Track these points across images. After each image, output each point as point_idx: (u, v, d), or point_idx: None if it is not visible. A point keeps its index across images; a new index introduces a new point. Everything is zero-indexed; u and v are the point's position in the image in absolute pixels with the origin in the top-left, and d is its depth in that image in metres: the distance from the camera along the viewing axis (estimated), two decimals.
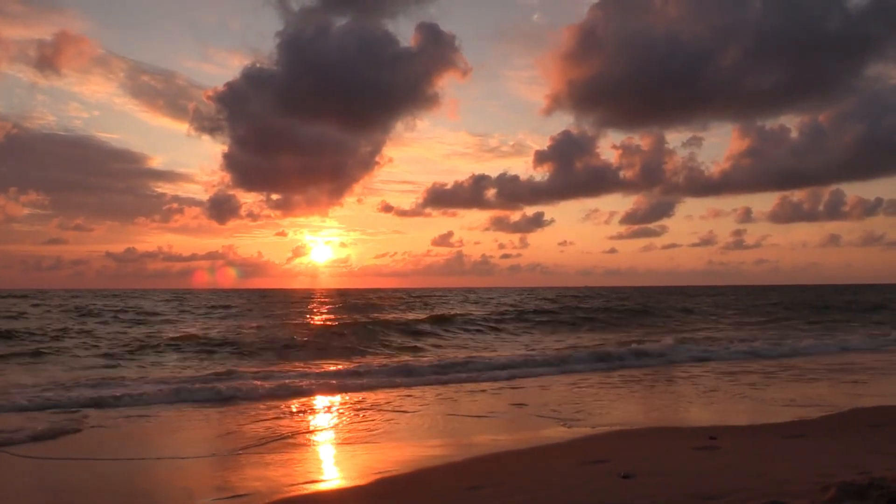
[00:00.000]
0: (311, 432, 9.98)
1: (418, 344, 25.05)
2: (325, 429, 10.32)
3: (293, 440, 9.33)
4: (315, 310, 50.57)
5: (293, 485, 6.98)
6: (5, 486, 7.28)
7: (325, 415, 11.58)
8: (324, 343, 23.65)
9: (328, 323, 32.88)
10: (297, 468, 7.75)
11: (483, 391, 14.08)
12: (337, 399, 13.14)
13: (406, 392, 14.00)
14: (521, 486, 6.35)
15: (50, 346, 21.68)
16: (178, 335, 24.59)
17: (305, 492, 6.77)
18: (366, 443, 9.14)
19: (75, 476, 7.57)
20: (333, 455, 8.66)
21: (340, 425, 10.51)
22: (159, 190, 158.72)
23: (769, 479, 5.93)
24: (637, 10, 71.64)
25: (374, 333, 26.97)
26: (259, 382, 14.46)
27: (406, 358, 20.43)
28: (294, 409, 11.92)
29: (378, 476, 7.27)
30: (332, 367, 17.77)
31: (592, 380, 15.70)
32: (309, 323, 34.15)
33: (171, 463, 8.01)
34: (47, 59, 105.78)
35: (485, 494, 6.13)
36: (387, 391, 14.14)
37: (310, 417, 11.28)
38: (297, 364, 18.44)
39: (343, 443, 9.27)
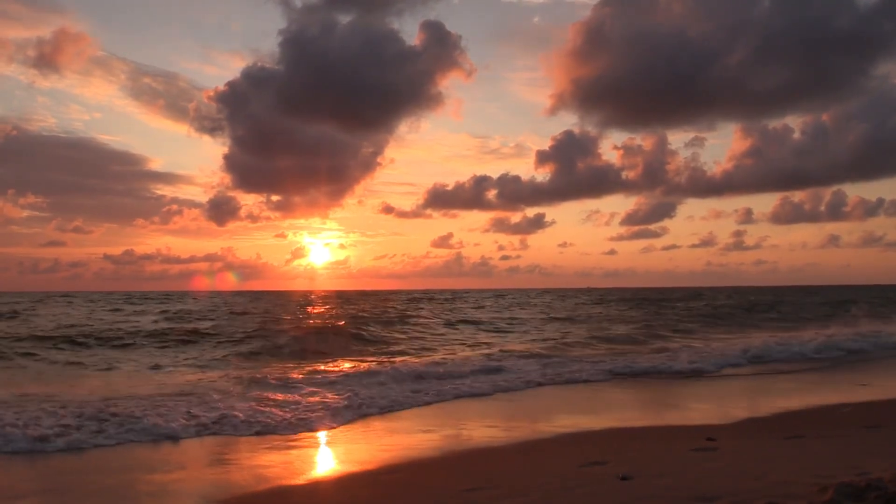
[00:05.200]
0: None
1: None
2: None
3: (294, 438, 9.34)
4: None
5: (286, 483, 6.97)
6: None
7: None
8: None
9: None
10: (294, 466, 7.74)
11: None
12: None
13: None
14: (518, 488, 6.33)
15: None
16: None
17: (300, 490, 6.75)
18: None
19: None
20: (331, 453, 8.65)
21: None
22: (159, 192, 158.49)
23: (767, 480, 5.92)
24: (642, 9, 71.24)
25: None
26: None
27: None
28: None
29: (372, 477, 7.26)
30: None
31: None
32: None
33: None
34: (46, 58, 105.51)
35: (481, 497, 6.12)
36: None
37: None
38: None
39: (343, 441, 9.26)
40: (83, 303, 59.42)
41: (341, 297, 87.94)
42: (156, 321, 33.27)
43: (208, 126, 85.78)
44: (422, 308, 51.07)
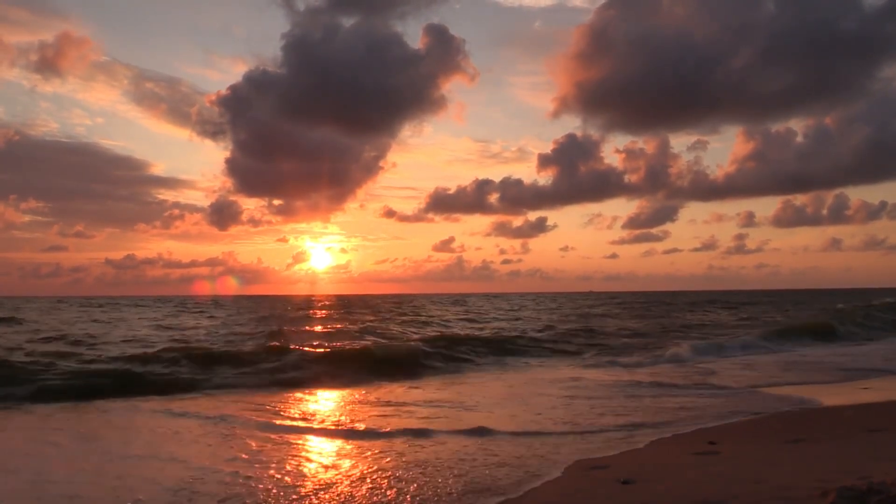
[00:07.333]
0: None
1: None
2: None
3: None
4: None
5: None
6: None
7: None
8: None
9: None
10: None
11: None
12: None
13: None
14: None
15: None
16: None
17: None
18: None
19: None
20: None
21: None
22: (161, 196, 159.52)
23: (769, 484, 5.91)
24: (645, 12, 71.29)
25: None
26: None
27: None
28: None
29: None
30: None
31: None
32: None
33: None
34: (49, 62, 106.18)
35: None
36: None
37: None
38: None
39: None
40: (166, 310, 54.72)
41: (387, 302, 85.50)
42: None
43: (210, 130, 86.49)
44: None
